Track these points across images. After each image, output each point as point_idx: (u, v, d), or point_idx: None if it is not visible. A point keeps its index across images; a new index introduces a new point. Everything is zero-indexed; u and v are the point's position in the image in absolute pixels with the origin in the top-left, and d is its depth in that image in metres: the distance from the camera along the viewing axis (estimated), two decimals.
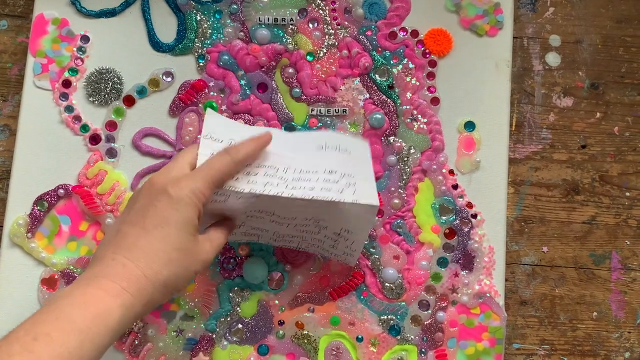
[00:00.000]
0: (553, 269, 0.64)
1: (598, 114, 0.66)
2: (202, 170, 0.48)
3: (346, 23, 0.64)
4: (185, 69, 0.64)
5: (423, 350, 0.61)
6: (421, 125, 0.63)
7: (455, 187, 0.62)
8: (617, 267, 0.64)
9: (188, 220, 0.46)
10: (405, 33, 0.64)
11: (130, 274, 0.44)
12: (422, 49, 0.64)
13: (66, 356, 0.39)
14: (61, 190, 0.61)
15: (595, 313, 0.63)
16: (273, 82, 0.64)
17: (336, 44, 0.64)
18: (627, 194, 0.65)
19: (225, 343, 0.60)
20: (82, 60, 0.63)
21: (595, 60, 0.66)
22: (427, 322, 0.61)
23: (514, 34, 0.65)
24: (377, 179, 0.62)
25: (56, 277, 0.60)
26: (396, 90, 0.63)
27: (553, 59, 0.66)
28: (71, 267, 0.61)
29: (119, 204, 0.61)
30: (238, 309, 0.61)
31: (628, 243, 0.64)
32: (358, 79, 0.64)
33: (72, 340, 0.40)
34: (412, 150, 0.63)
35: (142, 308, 0.44)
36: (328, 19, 0.64)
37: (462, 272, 0.61)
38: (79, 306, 0.42)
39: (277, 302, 0.61)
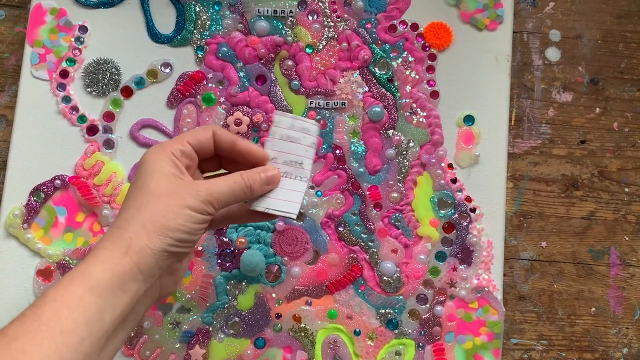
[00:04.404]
0: (551, 264, 0.63)
1: (597, 109, 0.65)
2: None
3: (346, 15, 0.64)
4: (184, 60, 0.63)
5: (421, 344, 0.60)
6: (420, 119, 0.63)
7: (454, 181, 0.62)
8: (615, 263, 0.63)
9: (154, 169, 0.44)
10: (405, 26, 0.64)
11: (104, 235, 0.43)
12: (422, 42, 0.64)
13: (42, 329, 0.37)
14: (58, 181, 0.61)
15: (593, 309, 0.63)
16: (272, 74, 0.63)
17: (336, 36, 0.64)
18: (626, 189, 0.64)
19: (222, 336, 0.60)
20: (80, 50, 0.63)
21: (595, 55, 0.66)
22: (425, 316, 0.61)
23: (514, 29, 0.65)
24: (375, 172, 0.62)
25: (52, 268, 0.60)
26: (395, 84, 0.63)
27: (553, 53, 0.66)
28: (67, 259, 0.60)
29: (115, 195, 0.61)
30: (235, 301, 0.60)
31: (627, 239, 0.64)
32: (357, 71, 0.63)
33: (45, 313, 0.38)
34: (411, 144, 0.62)
35: (124, 257, 0.41)
36: (328, 11, 0.64)
37: (461, 267, 0.61)
38: (54, 286, 0.40)
39: (274, 295, 0.61)
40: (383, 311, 0.61)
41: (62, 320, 0.38)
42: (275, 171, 0.49)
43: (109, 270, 0.40)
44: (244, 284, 0.61)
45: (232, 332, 0.60)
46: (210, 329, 0.60)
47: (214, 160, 0.50)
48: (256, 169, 0.49)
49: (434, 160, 0.62)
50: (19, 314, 0.39)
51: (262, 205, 0.49)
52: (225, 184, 0.46)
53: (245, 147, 0.49)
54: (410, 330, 0.60)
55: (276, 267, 0.61)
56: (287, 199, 0.50)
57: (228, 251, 0.61)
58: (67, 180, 0.61)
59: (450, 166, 0.62)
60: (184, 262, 0.47)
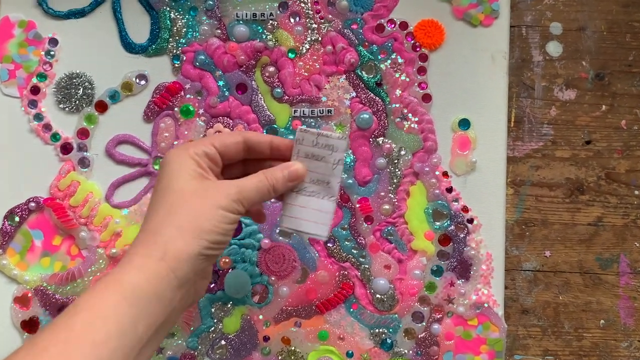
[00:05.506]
0: (556, 274, 0.61)
1: (604, 106, 0.62)
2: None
3: (330, 16, 0.61)
4: (160, 70, 0.60)
5: None
6: (412, 125, 0.60)
7: (449, 190, 0.60)
8: (625, 271, 0.61)
9: (179, 169, 0.44)
10: (393, 25, 0.61)
11: (136, 240, 0.43)
12: (412, 42, 0.61)
13: (73, 340, 0.37)
14: (32, 204, 0.59)
15: (602, 321, 0.61)
16: (253, 82, 0.60)
17: (319, 39, 0.61)
18: (636, 192, 0.62)
19: None
20: (50, 64, 0.60)
21: (600, 48, 0.63)
22: (422, 335, 0.59)
23: (511, 23, 0.62)
24: (365, 183, 0.60)
25: (29, 295, 0.58)
26: (385, 88, 0.60)
27: (554, 48, 0.63)
28: (45, 284, 0.58)
29: (93, 216, 0.59)
30: (220, 324, 0.59)
31: (637, 245, 0.61)
32: (344, 76, 0.61)
33: (77, 323, 0.37)
34: (402, 152, 0.60)
35: (160, 263, 0.41)
36: (310, 12, 0.61)
37: (458, 281, 0.59)
38: (87, 293, 0.39)
39: (261, 316, 0.59)
40: (377, 331, 0.59)
41: (95, 330, 0.37)
42: (298, 165, 0.49)
43: (144, 277, 0.40)
44: (229, 305, 0.59)
45: (218, 356, 0.58)
46: (196, 353, 0.58)
47: (239, 166, 0.50)
48: (278, 167, 0.48)
49: (427, 169, 0.60)
50: (50, 322, 0.40)
51: (291, 226, 0.49)
52: (251, 182, 0.46)
53: (282, 142, 0.49)
54: (405, 351, 0.59)
55: (263, 287, 0.59)
56: (316, 220, 0.49)
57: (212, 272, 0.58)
58: (42, 202, 0.59)
59: (445, 174, 0.60)
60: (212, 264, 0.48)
